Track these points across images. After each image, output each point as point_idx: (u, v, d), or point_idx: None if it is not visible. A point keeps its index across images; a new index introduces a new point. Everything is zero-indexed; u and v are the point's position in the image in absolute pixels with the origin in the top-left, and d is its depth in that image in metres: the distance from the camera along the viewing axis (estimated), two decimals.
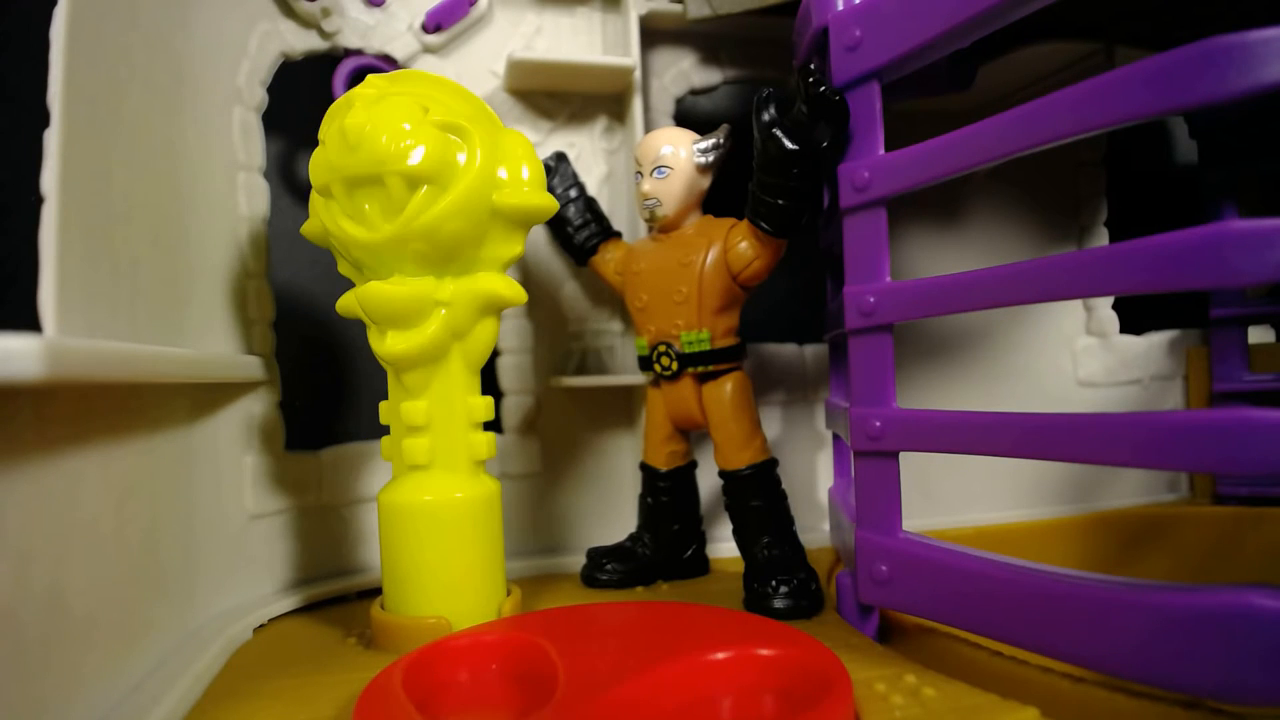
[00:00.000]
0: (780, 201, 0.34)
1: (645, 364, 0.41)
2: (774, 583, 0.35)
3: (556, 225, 0.44)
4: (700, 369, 0.39)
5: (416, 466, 0.33)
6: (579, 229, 0.43)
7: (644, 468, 0.42)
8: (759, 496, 0.38)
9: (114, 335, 0.28)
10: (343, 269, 0.35)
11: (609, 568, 0.40)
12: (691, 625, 0.28)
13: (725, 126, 0.39)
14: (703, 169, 0.39)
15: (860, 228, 0.31)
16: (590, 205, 0.43)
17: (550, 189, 0.43)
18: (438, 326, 0.32)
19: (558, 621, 0.30)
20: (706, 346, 0.38)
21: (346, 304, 0.34)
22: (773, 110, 0.33)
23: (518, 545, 0.47)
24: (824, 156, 0.32)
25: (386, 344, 0.32)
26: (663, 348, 0.39)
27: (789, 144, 0.32)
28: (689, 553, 0.42)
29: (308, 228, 0.34)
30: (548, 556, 0.46)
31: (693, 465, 0.43)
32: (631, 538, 0.42)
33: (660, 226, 0.40)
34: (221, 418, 0.39)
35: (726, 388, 0.39)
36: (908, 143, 0.29)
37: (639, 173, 0.40)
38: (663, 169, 0.39)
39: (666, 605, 0.31)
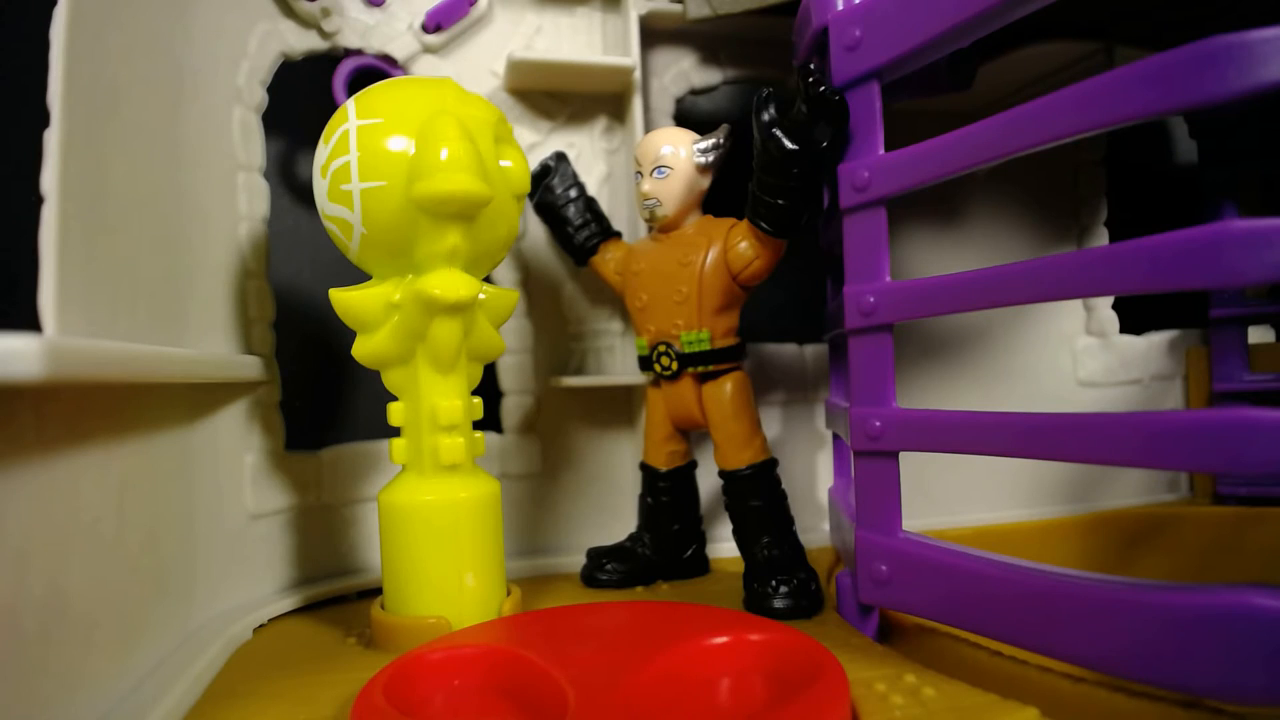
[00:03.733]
0: (780, 201, 0.34)
1: (645, 364, 0.40)
2: (774, 583, 0.35)
3: (556, 225, 0.44)
4: (700, 369, 0.39)
5: (455, 467, 0.33)
6: (579, 229, 0.43)
7: (644, 468, 0.42)
8: (759, 496, 0.38)
9: (114, 335, 0.28)
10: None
11: (609, 567, 0.40)
12: (686, 626, 0.28)
13: (725, 126, 0.39)
14: (703, 169, 0.39)
15: (860, 228, 0.31)
16: (590, 205, 0.43)
17: (550, 188, 0.43)
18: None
19: (547, 627, 0.30)
20: (706, 346, 0.38)
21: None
22: (772, 110, 0.33)
23: (518, 545, 0.47)
24: (824, 156, 0.32)
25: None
26: (662, 347, 0.39)
27: (789, 144, 0.32)
28: (689, 553, 0.42)
29: None
30: (548, 556, 0.46)
31: (693, 465, 0.43)
32: (631, 538, 0.42)
33: (660, 226, 0.40)
34: (221, 418, 0.39)
35: (726, 388, 0.39)
36: (908, 143, 0.29)
37: (639, 172, 0.40)
38: (663, 169, 0.38)
39: (661, 606, 0.31)
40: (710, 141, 0.39)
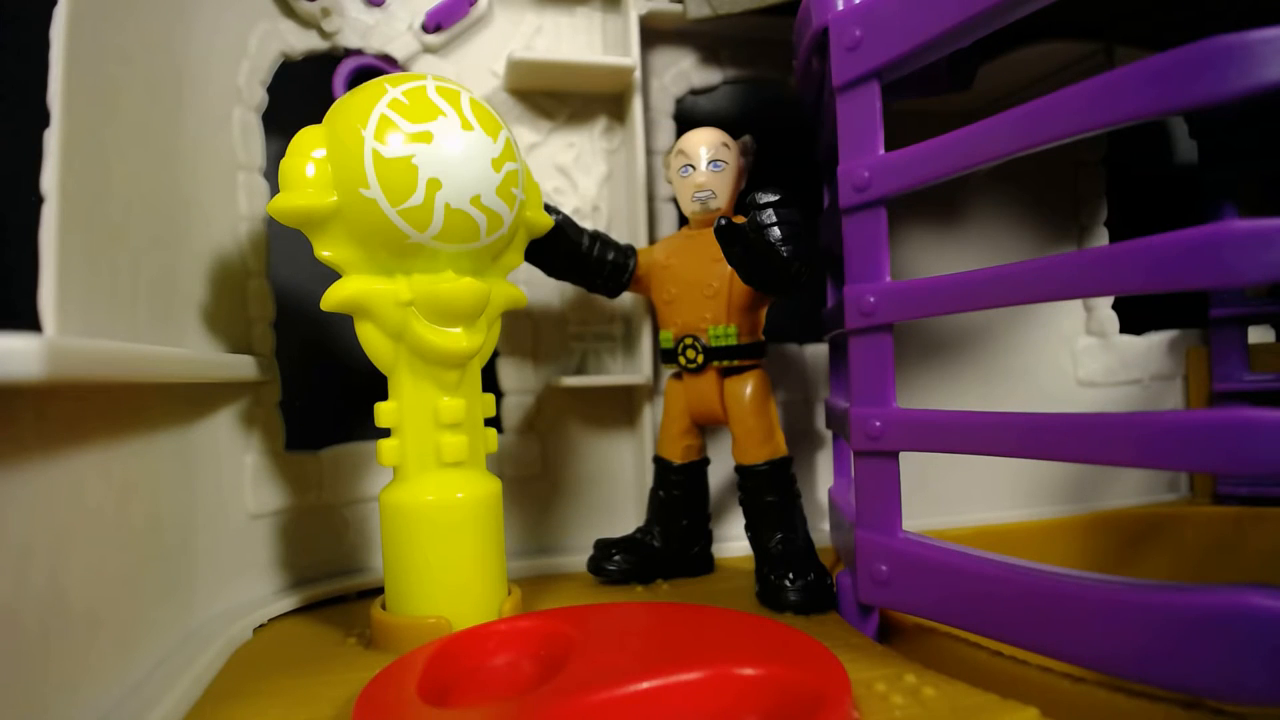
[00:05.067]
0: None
1: (669, 356, 0.41)
2: (790, 576, 0.35)
3: (582, 271, 0.41)
4: (725, 363, 0.39)
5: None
6: (604, 259, 0.41)
7: (658, 460, 0.43)
8: (774, 492, 0.39)
9: (114, 335, 0.28)
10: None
11: (617, 558, 0.40)
12: (709, 634, 0.28)
13: (748, 137, 0.41)
14: (743, 170, 0.40)
15: (860, 228, 0.31)
16: (601, 235, 0.42)
17: (566, 237, 0.40)
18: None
19: (582, 618, 0.30)
20: (733, 341, 0.39)
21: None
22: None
23: (517, 545, 0.47)
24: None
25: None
26: (689, 340, 0.39)
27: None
28: (695, 549, 0.42)
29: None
30: (548, 556, 0.46)
31: (706, 462, 0.43)
32: (641, 530, 0.42)
33: (699, 222, 0.40)
34: (221, 418, 0.39)
35: (749, 384, 0.40)
36: (908, 143, 0.29)
37: (689, 166, 0.39)
38: (719, 163, 0.39)
39: (688, 609, 0.31)
40: (751, 144, 0.40)
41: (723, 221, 0.33)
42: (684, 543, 0.42)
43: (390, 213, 0.30)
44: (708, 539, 0.43)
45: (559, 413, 0.48)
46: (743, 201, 0.37)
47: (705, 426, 0.42)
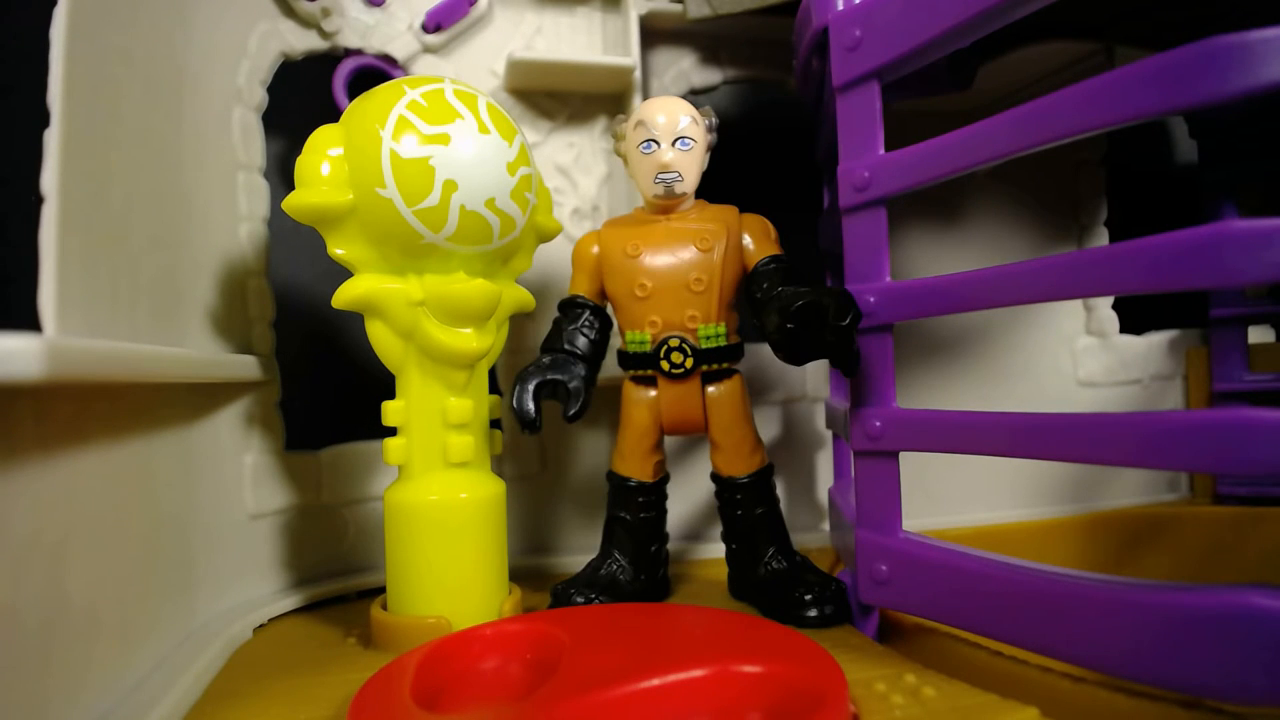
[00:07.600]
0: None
1: (641, 361, 0.36)
2: (815, 590, 0.33)
3: (601, 353, 0.38)
4: (714, 366, 0.36)
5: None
6: (587, 340, 0.38)
7: (620, 481, 0.38)
8: (764, 503, 0.37)
9: (114, 335, 0.28)
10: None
11: (598, 600, 0.35)
12: (702, 633, 0.28)
13: (708, 108, 0.37)
14: (710, 146, 0.37)
15: (860, 228, 0.31)
16: (565, 346, 0.37)
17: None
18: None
19: (578, 620, 0.30)
20: (723, 342, 0.36)
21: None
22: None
23: (516, 544, 0.46)
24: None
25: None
26: (675, 342, 0.35)
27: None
28: (660, 574, 0.39)
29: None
30: (547, 556, 0.46)
31: (668, 477, 0.39)
32: (608, 563, 0.37)
33: (663, 207, 0.37)
34: (221, 418, 0.39)
35: (735, 389, 0.37)
36: (908, 143, 0.29)
37: (652, 141, 0.35)
38: (686, 140, 0.35)
39: (673, 609, 0.31)
40: (715, 117, 0.37)
41: (801, 304, 0.28)
42: (652, 569, 0.38)
43: (406, 213, 0.31)
44: (668, 560, 0.40)
45: (558, 413, 0.48)
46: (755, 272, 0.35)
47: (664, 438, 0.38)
